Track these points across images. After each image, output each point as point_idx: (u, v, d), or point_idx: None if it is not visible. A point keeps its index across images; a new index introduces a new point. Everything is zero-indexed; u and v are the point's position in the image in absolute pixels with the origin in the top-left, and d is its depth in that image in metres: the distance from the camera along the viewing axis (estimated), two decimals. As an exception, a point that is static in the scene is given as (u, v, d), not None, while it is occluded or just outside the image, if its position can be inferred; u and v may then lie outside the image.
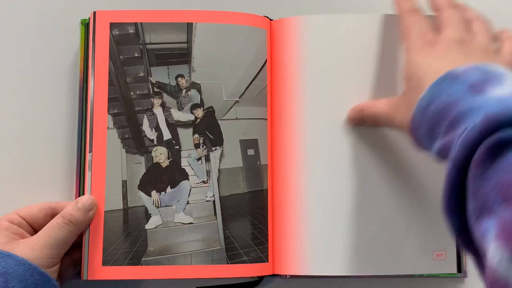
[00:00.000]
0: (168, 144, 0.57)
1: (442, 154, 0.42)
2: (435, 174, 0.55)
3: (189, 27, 0.57)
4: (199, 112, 0.57)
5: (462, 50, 0.47)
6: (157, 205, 0.56)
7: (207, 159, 0.56)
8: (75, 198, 0.56)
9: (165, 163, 0.56)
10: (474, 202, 0.36)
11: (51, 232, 0.50)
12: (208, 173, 0.56)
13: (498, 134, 0.35)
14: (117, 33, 0.57)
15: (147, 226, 0.55)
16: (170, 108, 0.57)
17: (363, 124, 0.55)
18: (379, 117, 0.52)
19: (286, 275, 0.56)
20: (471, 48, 0.47)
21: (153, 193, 0.56)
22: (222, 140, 0.56)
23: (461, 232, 0.38)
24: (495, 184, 0.34)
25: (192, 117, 0.57)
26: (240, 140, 0.57)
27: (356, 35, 0.58)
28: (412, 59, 0.48)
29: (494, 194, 0.34)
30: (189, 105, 0.57)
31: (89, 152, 0.55)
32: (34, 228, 0.53)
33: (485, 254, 0.34)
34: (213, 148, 0.56)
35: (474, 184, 0.36)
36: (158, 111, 0.57)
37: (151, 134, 0.57)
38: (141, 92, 0.57)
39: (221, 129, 0.57)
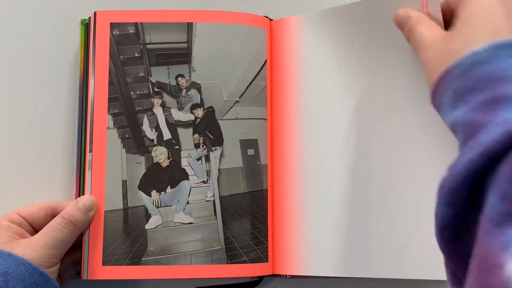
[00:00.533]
0: (168, 144, 0.56)
1: (464, 126, 0.35)
2: (438, 175, 0.55)
3: (189, 27, 0.57)
4: (199, 112, 0.57)
5: None
6: (157, 205, 0.56)
7: (207, 159, 0.56)
8: (75, 198, 0.56)
9: (165, 163, 0.56)
10: (501, 205, 0.30)
11: (51, 232, 0.50)
12: (208, 173, 0.56)
13: None
14: (117, 33, 0.57)
15: (147, 226, 0.55)
16: (170, 108, 0.57)
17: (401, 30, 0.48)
18: (414, 40, 0.44)
19: (286, 275, 0.56)
20: None
21: (153, 193, 0.56)
22: (222, 140, 0.56)
23: (449, 226, 0.34)
24: None
25: (192, 117, 0.57)
26: (240, 140, 0.57)
27: (355, 33, 0.58)
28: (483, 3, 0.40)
29: None
30: (189, 105, 0.57)
31: (89, 152, 0.55)
32: (34, 228, 0.53)
33: (493, 265, 0.29)
34: (213, 148, 0.56)
35: (508, 185, 0.30)
36: (158, 111, 0.57)
37: (151, 134, 0.57)
38: (141, 92, 0.57)
39: (221, 129, 0.57)
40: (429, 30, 0.43)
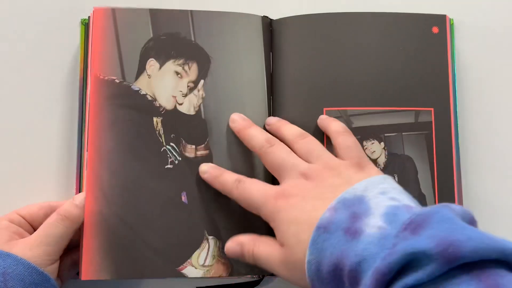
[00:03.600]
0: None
1: None
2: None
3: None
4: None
5: (313, 185, 0.47)
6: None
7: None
8: (75, 198, 0.56)
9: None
10: None
11: (47, 229, 0.50)
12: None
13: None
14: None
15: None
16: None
17: (245, 261, 0.51)
18: (264, 264, 0.48)
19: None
20: (318, 176, 0.47)
21: None
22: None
23: None
24: None
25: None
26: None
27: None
28: (275, 218, 0.46)
29: None
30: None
31: (87, 151, 0.55)
32: (34, 227, 0.53)
33: None
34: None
35: None
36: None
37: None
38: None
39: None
40: (268, 249, 0.48)
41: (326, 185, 0.46)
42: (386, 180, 0.45)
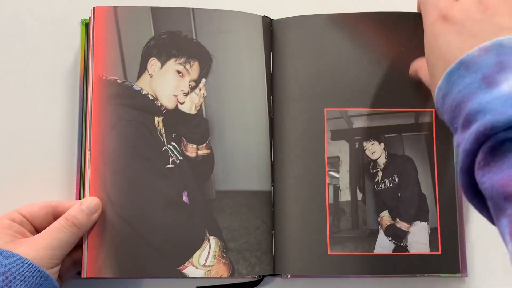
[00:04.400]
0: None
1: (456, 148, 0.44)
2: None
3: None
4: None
5: (480, 17, 0.44)
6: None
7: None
8: (75, 197, 0.56)
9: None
10: (491, 204, 0.38)
11: (54, 233, 0.50)
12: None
13: (493, 138, 0.37)
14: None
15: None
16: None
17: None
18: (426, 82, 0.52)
19: (286, 275, 0.56)
20: (490, 11, 0.44)
21: None
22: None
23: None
24: (497, 184, 0.36)
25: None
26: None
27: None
28: (430, 33, 0.47)
29: (497, 194, 0.36)
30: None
31: (89, 151, 0.55)
32: (34, 226, 0.53)
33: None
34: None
35: (484, 187, 0.38)
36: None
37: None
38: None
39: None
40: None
41: (494, 23, 0.44)
42: None
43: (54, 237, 0.50)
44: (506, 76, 0.39)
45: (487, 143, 0.37)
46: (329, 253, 0.55)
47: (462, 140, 0.40)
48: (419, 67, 0.55)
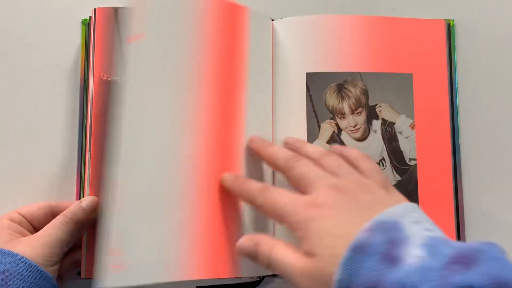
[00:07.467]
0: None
1: None
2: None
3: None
4: None
5: (347, 199, 0.43)
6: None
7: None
8: (76, 198, 0.56)
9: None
10: None
11: (52, 230, 0.50)
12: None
13: None
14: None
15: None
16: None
17: (255, 262, 0.46)
18: (280, 270, 0.44)
19: (286, 275, 0.56)
20: (351, 191, 0.44)
21: None
22: None
23: None
24: None
25: None
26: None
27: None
28: (306, 227, 0.42)
29: None
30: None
31: (89, 151, 0.55)
32: (34, 226, 0.53)
33: None
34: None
35: None
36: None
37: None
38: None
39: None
40: (289, 256, 0.44)
41: (361, 202, 0.43)
42: (415, 208, 0.43)
43: (52, 234, 0.50)
44: (402, 250, 0.38)
45: None
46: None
47: None
48: (266, 245, 0.45)
